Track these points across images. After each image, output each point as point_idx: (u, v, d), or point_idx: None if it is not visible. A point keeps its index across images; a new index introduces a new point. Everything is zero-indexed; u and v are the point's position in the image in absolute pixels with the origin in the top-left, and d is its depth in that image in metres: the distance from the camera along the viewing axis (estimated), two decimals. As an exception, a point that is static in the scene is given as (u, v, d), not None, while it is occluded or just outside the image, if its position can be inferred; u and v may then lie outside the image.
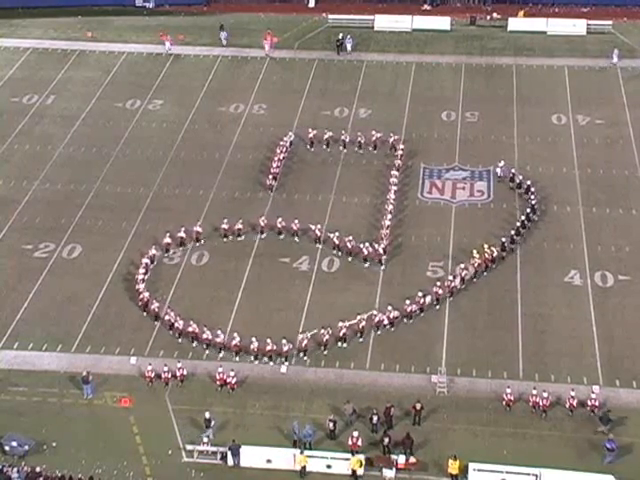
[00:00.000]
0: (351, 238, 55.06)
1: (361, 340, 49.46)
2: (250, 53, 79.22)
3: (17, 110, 71.02)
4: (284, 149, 64.35)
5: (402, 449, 43.05)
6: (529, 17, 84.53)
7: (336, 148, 64.83)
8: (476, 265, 53.59)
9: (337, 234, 55.39)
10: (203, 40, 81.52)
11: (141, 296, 51.63)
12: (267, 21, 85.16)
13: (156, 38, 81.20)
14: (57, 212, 59.64)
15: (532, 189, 59.35)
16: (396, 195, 59.79)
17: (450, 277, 52.75)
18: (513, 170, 61.57)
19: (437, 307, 51.44)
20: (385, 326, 50.07)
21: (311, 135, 65.02)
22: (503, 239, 55.61)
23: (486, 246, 54.47)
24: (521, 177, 61.20)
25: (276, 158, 63.17)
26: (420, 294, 51.36)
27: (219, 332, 48.95)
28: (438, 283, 52.08)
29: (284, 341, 48.18)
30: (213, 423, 43.98)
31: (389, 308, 50.42)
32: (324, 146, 64.93)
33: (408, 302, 50.98)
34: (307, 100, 71.96)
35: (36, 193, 61.67)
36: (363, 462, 42.34)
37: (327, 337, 48.87)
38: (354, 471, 42.14)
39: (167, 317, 50.37)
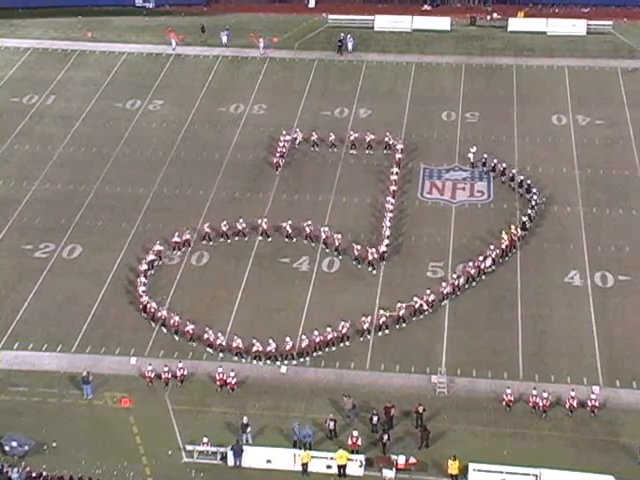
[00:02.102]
0: (359, 247, 54.85)
1: (404, 325, 50.16)
2: (250, 53, 79.20)
3: (17, 110, 71.06)
4: (291, 131, 65.34)
5: (419, 441, 43.36)
6: (529, 17, 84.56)
7: (335, 148, 64.97)
8: (504, 246, 54.44)
9: (340, 236, 55.41)
10: (203, 40, 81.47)
11: (142, 299, 51.55)
12: (267, 21, 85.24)
13: (156, 38, 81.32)
14: (57, 212, 59.65)
15: (532, 187, 59.72)
16: (396, 195, 59.85)
17: (480, 258, 53.49)
18: (485, 155, 62.44)
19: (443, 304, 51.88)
20: (426, 310, 50.75)
21: (332, 138, 65.35)
22: (524, 218, 56.72)
23: (512, 227, 55.62)
24: (495, 161, 62.15)
25: (282, 139, 64.28)
26: (454, 276, 52.46)
27: (219, 334, 49.00)
28: (470, 264, 52.97)
29: (288, 339, 48.35)
30: (250, 429, 43.62)
31: (427, 292, 51.10)
32: (311, 147, 65.20)
33: (444, 284, 51.78)
34: (307, 100, 71.97)
35: (36, 193, 61.68)
36: (363, 461, 42.46)
37: (384, 319, 49.83)
38: (343, 466, 42.09)
39: (163, 315, 50.39)
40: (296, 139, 65.45)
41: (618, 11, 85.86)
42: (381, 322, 49.90)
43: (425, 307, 50.87)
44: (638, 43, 79.30)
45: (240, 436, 43.54)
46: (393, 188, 60.07)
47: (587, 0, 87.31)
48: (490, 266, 53.62)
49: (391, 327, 50.16)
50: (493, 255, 53.95)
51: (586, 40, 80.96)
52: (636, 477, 41.89)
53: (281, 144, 64.00)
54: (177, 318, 50.00)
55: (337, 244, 55.21)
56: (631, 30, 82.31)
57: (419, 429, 43.79)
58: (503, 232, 55.47)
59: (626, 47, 78.86)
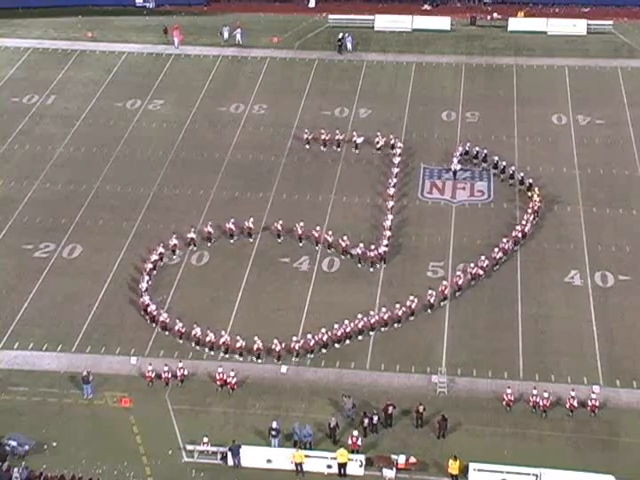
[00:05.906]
0: (363, 247, 54.80)
1: (459, 294, 52.00)
2: (250, 53, 79.23)
3: (17, 110, 71.03)
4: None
5: (437, 431, 43.60)
6: (529, 17, 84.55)
7: (334, 148, 65.02)
8: (536, 208, 57.57)
9: (345, 238, 55.22)
10: (203, 40, 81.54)
11: (142, 300, 51.54)
12: (267, 21, 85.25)
13: (156, 38, 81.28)
14: (57, 212, 59.64)
15: (534, 186, 60.05)
16: (396, 195, 59.85)
17: (523, 222, 56.26)
18: (476, 147, 63.68)
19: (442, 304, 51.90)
20: (474, 279, 52.73)
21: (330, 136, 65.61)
22: (536, 188, 59.14)
23: (536, 190, 58.93)
24: (485, 152, 62.95)
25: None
26: (505, 240, 55.05)
27: (210, 333, 49.06)
28: (518, 227, 55.77)
29: (278, 342, 48.40)
30: (280, 434, 43.48)
31: (482, 258, 53.57)
32: (315, 147, 65.37)
33: (496, 250, 54.07)
34: (307, 100, 71.97)
35: (36, 193, 61.68)
36: (363, 461, 42.48)
37: (413, 305, 50.76)
38: (343, 466, 42.06)
39: (164, 318, 50.40)
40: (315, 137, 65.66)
41: (618, 11, 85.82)
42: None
43: (481, 272, 52.79)
44: (638, 43, 79.33)
45: (269, 440, 43.45)
46: (393, 188, 60.08)
47: (587, 0, 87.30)
48: (529, 230, 56.14)
49: (402, 322, 50.39)
50: (531, 219, 56.48)
51: (586, 40, 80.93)
52: (636, 477, 41.92)
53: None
54: (165, 315, 50.11)
55: (343, 245, 54.88)
56: (631, 30, 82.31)
57: (438, 419, 43.81)
58: (535, 195, 58.22)
59: (626, 47, 78.89)
